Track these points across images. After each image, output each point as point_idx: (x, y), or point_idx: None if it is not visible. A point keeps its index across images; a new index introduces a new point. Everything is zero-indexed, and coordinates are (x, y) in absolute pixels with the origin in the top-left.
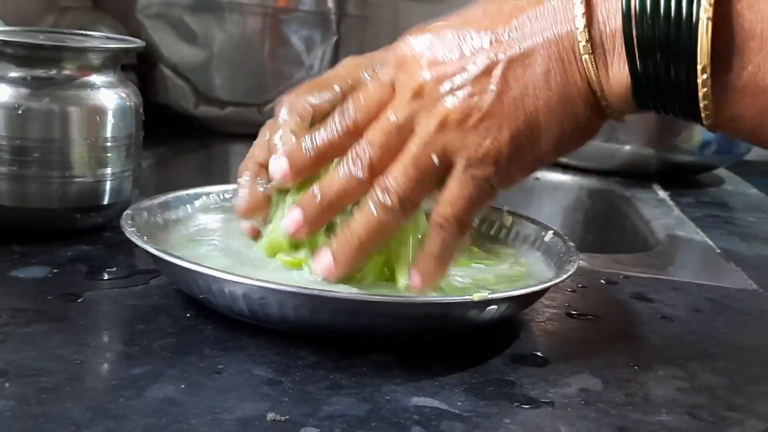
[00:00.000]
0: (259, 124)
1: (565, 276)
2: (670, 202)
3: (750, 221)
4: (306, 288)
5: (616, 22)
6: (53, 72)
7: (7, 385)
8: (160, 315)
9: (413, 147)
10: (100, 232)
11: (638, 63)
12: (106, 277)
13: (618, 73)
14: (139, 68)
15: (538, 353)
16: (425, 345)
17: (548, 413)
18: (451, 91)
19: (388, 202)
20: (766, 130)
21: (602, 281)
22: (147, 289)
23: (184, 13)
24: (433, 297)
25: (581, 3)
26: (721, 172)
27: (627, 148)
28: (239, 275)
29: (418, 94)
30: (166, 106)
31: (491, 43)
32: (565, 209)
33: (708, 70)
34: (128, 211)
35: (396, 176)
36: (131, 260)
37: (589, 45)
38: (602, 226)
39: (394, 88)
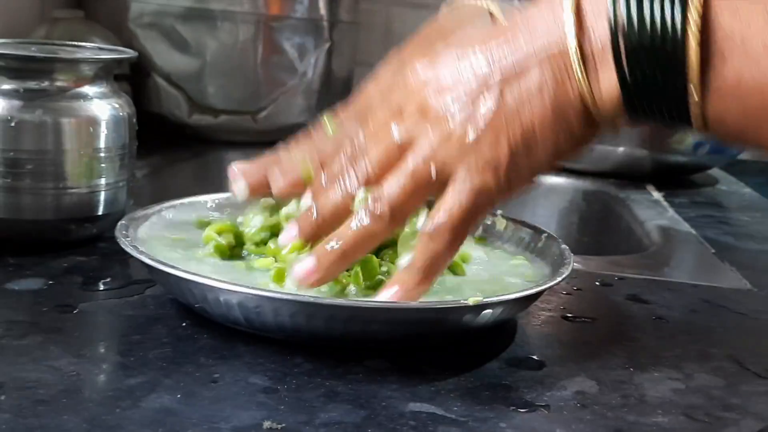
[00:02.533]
0: (253, 132)
1: (559, 279)
2: (665, 203)
3: (744, 220)
4: (301, 295)
5: (605, 38)
6: (46, 84)
7: (2, 397)
8: (156, 325)
9: (411, 160)
10: (94, 242)
11: (627, 73)
12: (101, 287)
13: (608, 85)
14: (132, 78)
15: (534, 356)
16: (421, 350)
17: (544, 417)
18: (450, 108)
19: (379, 211)
20: (749, 130)
21: (597, 283)
22: (142, 299)
23: (177, 23)
24: (429, 302)
25: (572, 24)
26: (715, 171)
27: (621, 149)
28: (234, 284)
29: (420, 113)
30: (160, 116)
31: (486, 60)
32: (560, 211)
33: (697, 75)
34: (123, 222)
35: (391, 187)
36: (126, 270)
37: (581, 61)
38: (597, 228)
39: (401, 112)
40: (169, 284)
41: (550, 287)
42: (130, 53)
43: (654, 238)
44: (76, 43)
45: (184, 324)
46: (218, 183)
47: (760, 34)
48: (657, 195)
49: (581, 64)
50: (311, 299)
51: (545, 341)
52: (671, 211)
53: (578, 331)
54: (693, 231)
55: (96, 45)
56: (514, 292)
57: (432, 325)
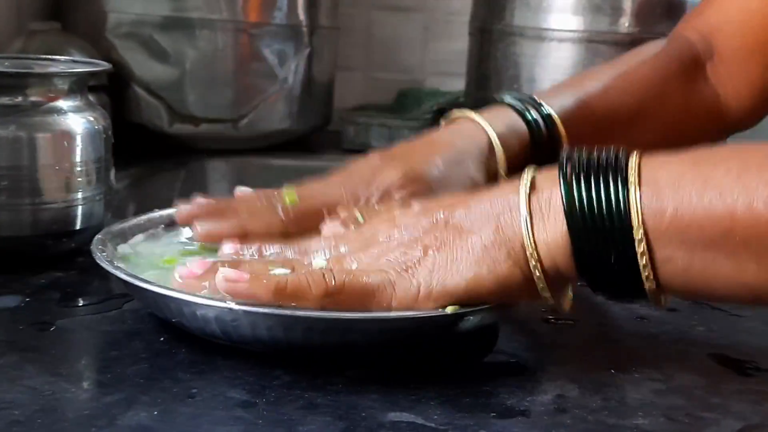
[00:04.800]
0: (235, 140)
1: None
2: None
3: None
4: (278, 308)
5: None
6: (19, 99)
7: None
8: (134, 340)
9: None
10: (73, 257)
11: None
12: (79, 303)
13: (554, 230)
14: (111, 88)
15: (515, 361)
16: (402, 357)
17: (524, 422)
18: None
19: (333, 282)
20: (695, 269)
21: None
22: (120, 314)
23: (155, 32)
24: (407, 312)
25: (527, 184)
26: None
27: None
28: (210, 298)
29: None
30: (140, 126)
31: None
32: None
33: (642, 229)
34: (99, 236)
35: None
36: (105, 285)
37: (528, 214)
38: None
39: None
40: (145, 299)
41: None
42: (104, 65)
43: None
44: (49, 56)
45: (162, 339)
46: (201, 192)
47: (687, 175)
48: None
49: (528, 215)
50: (288, 312)
51: (526, 345)
52: None
53: (560, 333)
54: None
55: (70, 58)
56: None
57: (411, 334)
